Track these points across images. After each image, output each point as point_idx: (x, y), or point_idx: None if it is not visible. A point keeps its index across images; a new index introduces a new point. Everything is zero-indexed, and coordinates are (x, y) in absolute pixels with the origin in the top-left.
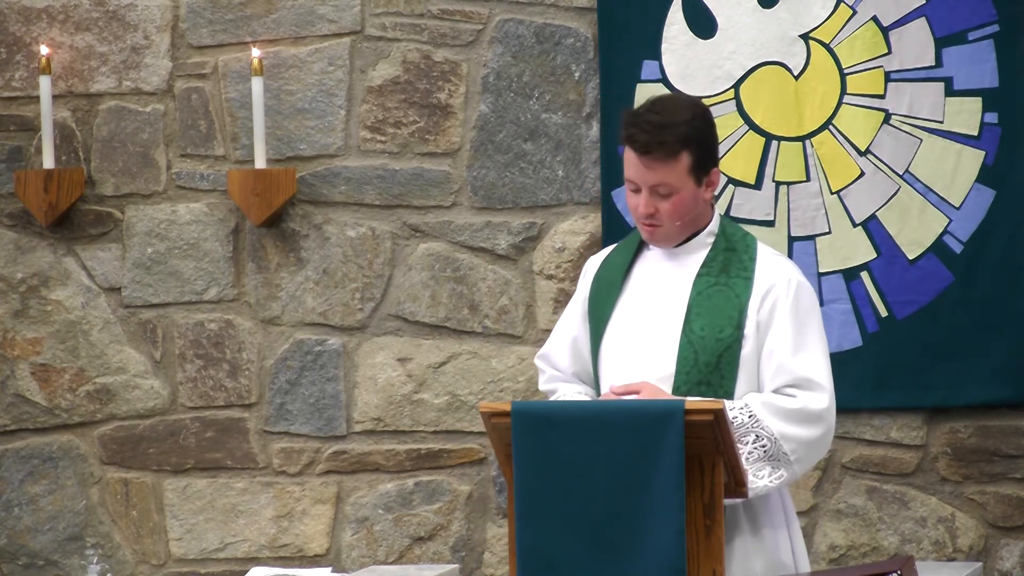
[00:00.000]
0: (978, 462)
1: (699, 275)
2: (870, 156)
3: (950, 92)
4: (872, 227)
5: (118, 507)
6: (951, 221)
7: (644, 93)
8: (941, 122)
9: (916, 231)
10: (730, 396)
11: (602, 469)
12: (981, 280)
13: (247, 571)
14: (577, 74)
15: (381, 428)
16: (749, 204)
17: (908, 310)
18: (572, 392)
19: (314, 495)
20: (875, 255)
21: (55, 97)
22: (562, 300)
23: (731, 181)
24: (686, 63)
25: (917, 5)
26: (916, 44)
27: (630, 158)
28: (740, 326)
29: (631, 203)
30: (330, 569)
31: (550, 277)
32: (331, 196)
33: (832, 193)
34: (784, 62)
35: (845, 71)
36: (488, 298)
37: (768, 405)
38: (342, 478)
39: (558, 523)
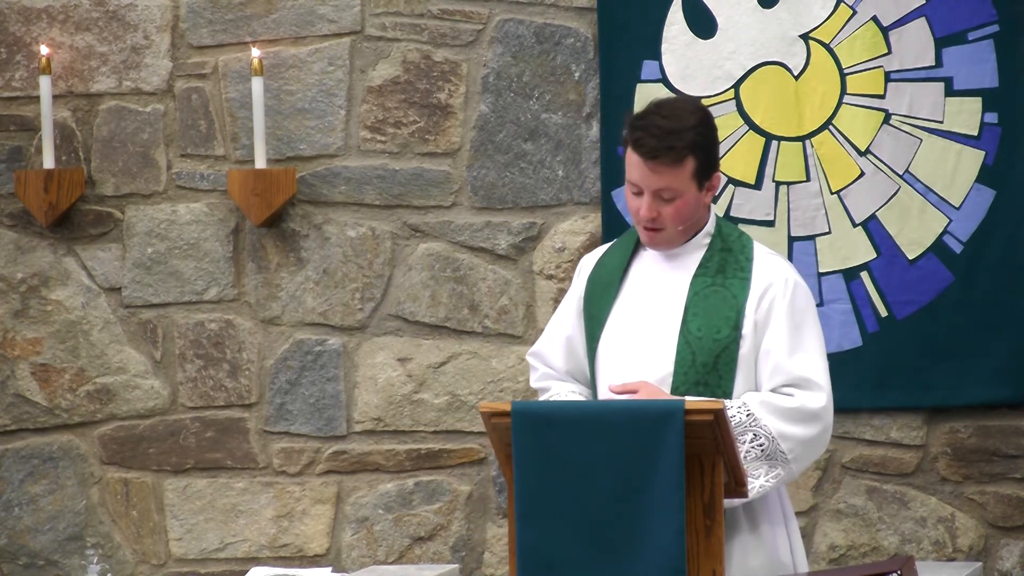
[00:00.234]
0: (978, 462)
1: (696, 276)
2: (870, 156)
3: (950, 92)
4: (872, 227)
5: (118, 507)
6: (951, 221)
7: (644, 93)
8: (941, 122)
9: (916, 231)
10: (728, 396)
11: (602, 469)
12: (981, 280)
13: (247, 571)
14: (577, 74)
15: (381, 428)
16: (749, 204)
17: (908, 310)
18: (566, 391)
19: (314, 495)
20: (875, 255)
21: (55, 97)
22: (562, 300)
23: (731, 181)
24: (686, 63)
25: (917, 5)
26: (916, 44)
27: (634, 161)
28: (737, 326)
29: (632, 205)
30: (330, 569)
31: (550, 277)
32: (331, 196)
33: (832, 193)
34: (784, 62)
35: (845, 71)
36: (488, 298)
37: (766, 404)
38: (342, 478)
39: (558, 523)
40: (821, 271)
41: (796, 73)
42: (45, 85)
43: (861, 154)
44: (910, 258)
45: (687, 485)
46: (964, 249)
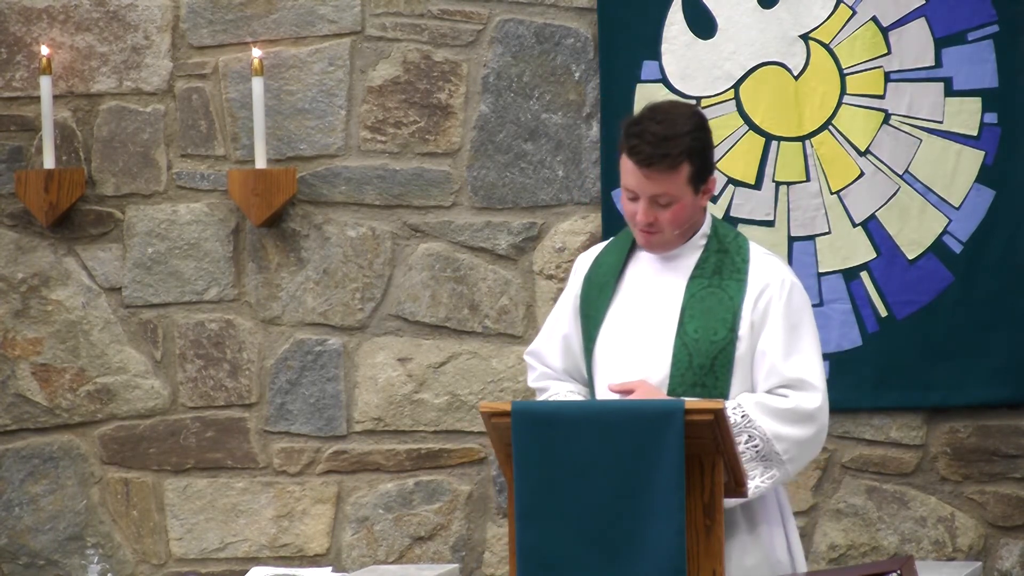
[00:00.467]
0: (978, 462)
1: (692, 277)
2: (870, 156)
3: (950, 92)
4: (872, 227)
5: (118, 507)
6: (951, 221)
7: (644, 93)
8: (941, 122)
9: (916, 231)
10: (725, 397)
11: (602, 469)
12: (981, 280)
13: (247, 571)
14: (577, 74)
15: (381, 428)
16: (749, 204)
17: (908, 310)
18: (564, 391)
19: (314, 495)
20: (875, 255)
21: (55, 97)
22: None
23: (731, 181)
24: (686, 63)
25: (917, 5)
26: (916, 44)
27: (629, 167)
28: (734, 328)
29: (628, 210)
30: (330, 569)
31: (550, 277)
32: (331, 196)
33: (832, 193)
34: (784, 62)
35: (845, 71)
36: (488, 298)
37: (761, 405)
38: (342, 478)
39: (558, 523)
40: (821, 271)
41: (796, 73)
42: (45, 85)
43: (861, 154)
44: (910, 258)
45: (687, 485)
46: (964, 249)
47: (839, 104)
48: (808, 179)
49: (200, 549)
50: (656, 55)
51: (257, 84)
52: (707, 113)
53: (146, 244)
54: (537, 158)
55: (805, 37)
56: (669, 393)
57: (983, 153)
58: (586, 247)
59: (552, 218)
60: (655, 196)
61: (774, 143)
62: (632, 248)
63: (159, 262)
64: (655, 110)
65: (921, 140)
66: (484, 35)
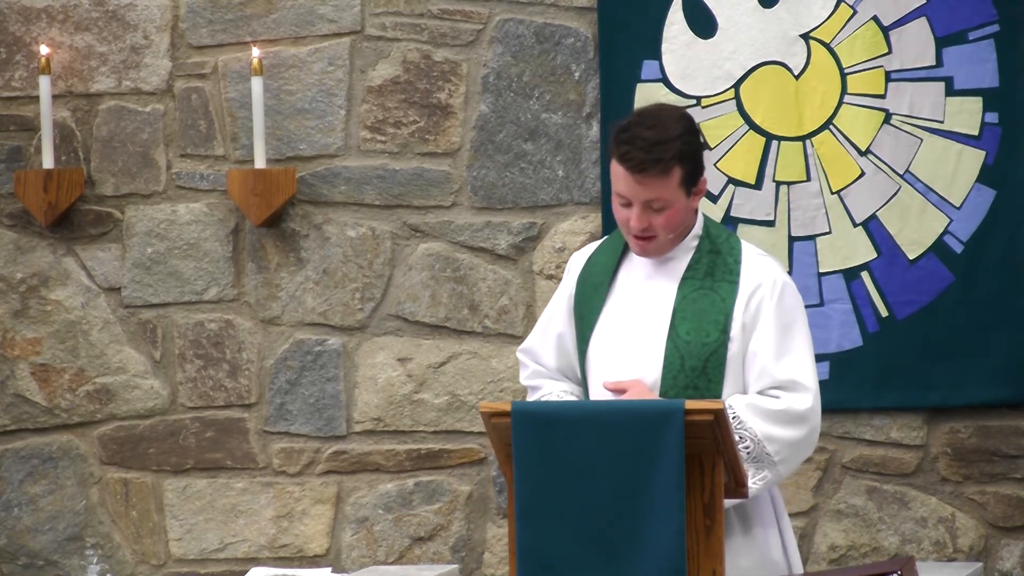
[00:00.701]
0: (978, 462)
1: (684, 279)
2: (870, 156)
3: (950, 92)
4: (872, 227)
5: (118, 507)
6: (951, 221)
7: (644, 93)
8: (941, 122)
9: (916, 231)
10: (718, 399)
11: (602, 469)
12: (981, 280)
13: (247, 571)
14: (577, 74)
15: (381, 428)
16: (749, 204)
17: (908, 310)
18: (558, 390)
19: (314, 495)
20: (875, 255)
21: (55, 97)
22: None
23: (731, 181)
24: (686, 63)
25: (917, 5)
26: (916, 44)
27: (620, 174)
28: (726, 330)
29: (620, 216)
30: (330, 569)
31: (550, 277)
32: (331, 196)
33: (832, 193)
34: (784, 62)
35: (845, 71)
36: (488, 298)
37: (752, 406)
38: (342, 478)
39: (558, 523)
40: (821, 271)
41: (796, 73)
42: (45, 85)
43: (861, 154)
44: (910, 258)
45: (687, 485)
46: (964, 249)
47: (840, 104)
48: (809, 179)
49: (200, 549)
50: (656, 55)
51: (257, 84)
52: (707, 113)
53: (145, 244)
54: (537, 158)
55: (806, 36)
56: (661, 395)
57: (984, 153)
58: None
59: (552, 218)
60: (648, 201)
61: (774, 143)
62: (625, 248)
63: (158, 262)
64: (644, 115)
65: (922, 140)
66: (484, 35)
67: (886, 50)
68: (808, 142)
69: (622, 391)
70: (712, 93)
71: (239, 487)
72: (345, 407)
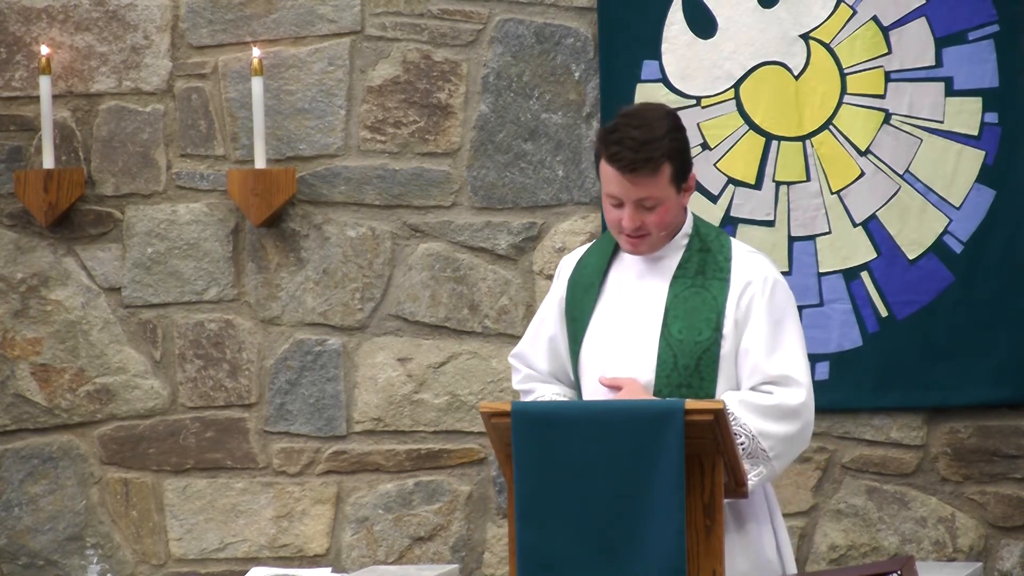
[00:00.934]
0: (978, 462)
1: (675, 277)
2: (870, 156)
3: (950, 92)
4: (872, 227)
5: (118, 507)
6: (951, 221)
7: (644, 93)
8: (941, 122)
9: (916, 231)
10: (711, 397)
11: (602, 469)
12: (981, 280)
13: (247, 571)
14: (577, 74)
15: (381, 428)
16: (749, 204)
17: (908, 310)
18: (550, 393)
19: (314, 495)
20: (875, 255)
21: (55, 97)
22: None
23: (731, 181)
24: (686, 63)
25: (917, 5)
26: (916, 44)
27: (611, 175)
28: (718, 327)
29: (612, 217)
30: (330, 569)
31: (550, 277)
32: (331, 196)
33: (832, 193)
34: (784, 62)
35: (845, 71)
36: (488, 298)
37: (745, 403)
38: (342, 478)
39: (558, 523)
40: (821, 271)
41: (796, 73)
42: (45, 85)
43: (861, 154)
44: (910, 258)
45: (687, 485)
46: (964, 249)
47: (839, 104)
48: (808, 179)
49: (200, 549)
50: (656, 55)
51: (257, 84)
52: (707, 113)
53: (146, 244)
54: (537, 158)
55: (805, 37)
56: (655, 394)
57: (983, 153)
58: None
59: (552, 218)
60: (640, 200)
61: (774, 143)
62: (615, 249)
63: (159, 262)
64: (630, 115)
65: (921, 140)
66: (484, 35)
67: (886, 50)
68: (808, 142)
69: (617, 388)
70: (712, 93)
71: (239, 487)
72: (345, 407)
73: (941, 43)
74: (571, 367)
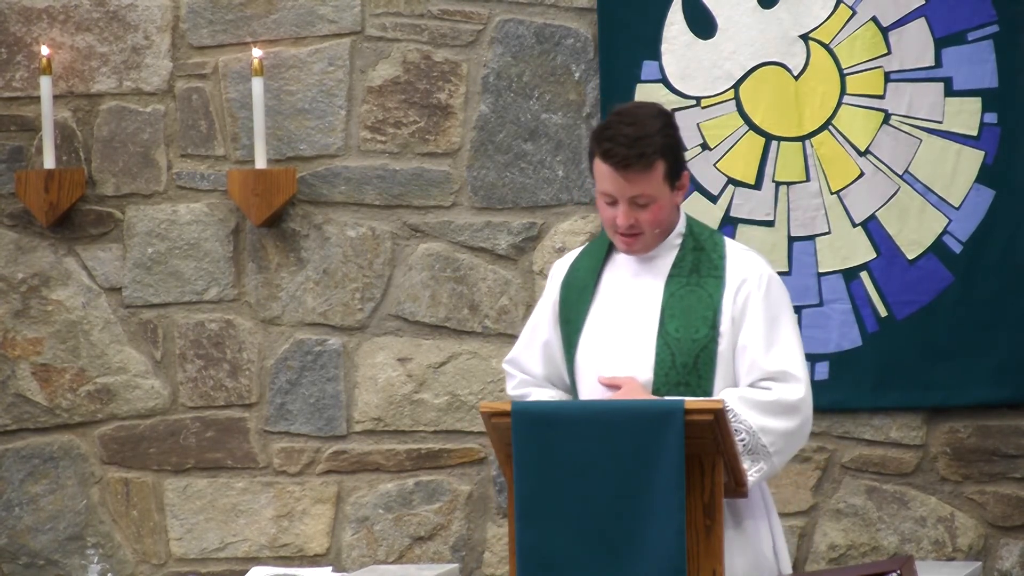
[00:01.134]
0: (978, 462)
1: (670, 276)
2: (870, 156)
3: (950, 92)
4: (872, 227)
5: (118, 507)
6: (951, 221)
7: (644, 93)
8: (941, 122)
9: (916, 231)
10: (709, 395)
11: (602, 469)
12: (981, 280)
13: (247, 571)
14: (577, 74)
15: (381, 428)
16: (749, 204)
17: (908, 310)
18: (545, 397)
19: (314, 495)
20: (875, 255)
21: (56, 97)
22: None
23: (731, 181)
24: (686, 63)
25: (917, 5)
26: (916, 44)
27: (605, 172)
28: (715, 325)
29: (606, 216)
30: (330, 569)
31: None
32: (331, 196)
33: (832, 193)
34: (784, 62)
35: (845, 71)
36: (488, 298)
37: (744, 399)
38: (342, 478)
39: (558, 523)
40: (821, 271)
41: (796, 73)
42: (45, 85)
43: (861, 154)
44: (910, 258)
45: (687, 485)
46: (964, 249)
47: (839, 104)
48: (808, 179)
49: (200, 549)
50: (656, 55)
51: (257, 84)
52: (707, 113)
53: (146, 244)
54: (537, 158)
55: (805, 37)
56: (653, 393)
57: (983, 153)
58: None
59: (552, 218)
60: (634, 197)
61: (774, 143)
62: (609, 251)
63: (159, 262)
64: (622, 113)
65: (921, 140)
66: (484, 35)
67: (885, 51)
68: (808, 142)
69: (616, 387)
70: (712, 93)
71: (239, 487)
72: (345, 407)
73: (940, 43)
74: (566, 371)
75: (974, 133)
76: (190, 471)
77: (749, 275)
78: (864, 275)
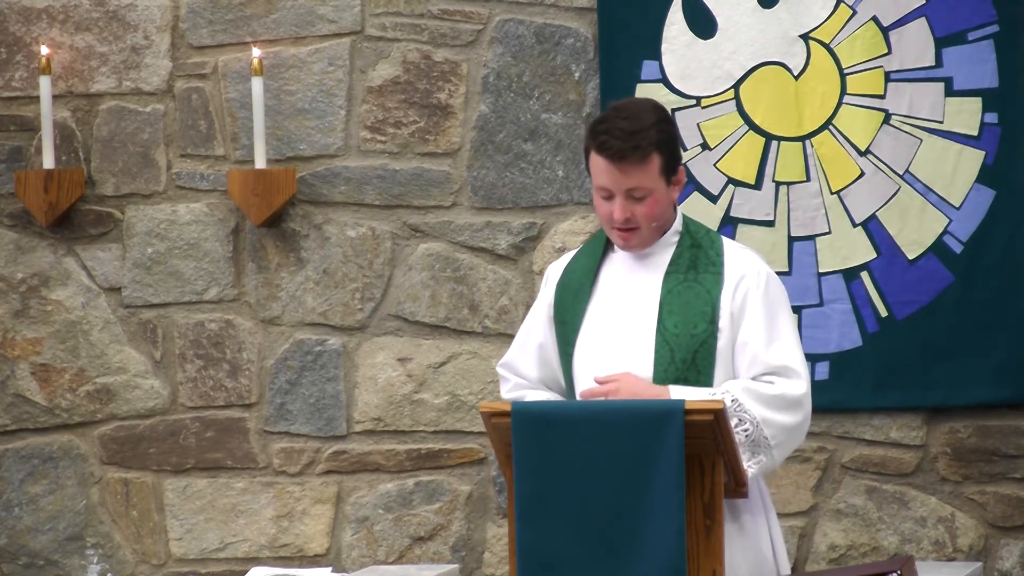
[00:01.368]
0: (978, 462)
1: (668, 273)
2: (870, 156)
3: (950, 92)
4: (872, 227)
5: (118, 507)
6: (951, 221)
7: (644, 93)
8: (941, 122)
9: (916, 231)
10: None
11: (602, 469)
12: (981, 280)
13: (247, 571)
14: (577, 74)
15: (381, 428)
16: (749, 204)
17: (908, 310)
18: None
19: (314, 495)
20: (875, 255)
21: (55, 97)
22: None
23: (731, 181)
24: (686, 63)
25: (917, 5)
26: (916, 44)
27: (601, 165)
28: (714, 320)
29: (603, 211)
30: (330, 569)
31: None
32: (331, 196)
33: (832, 193)
34: (784, 62)
35: (845, 71)
36: (488, 298)
37: (749, 391)
38: (342, 478)
39: (558, 523)
40: (821, 271)
41: (796, 73)
42: (45, 85)
43: (861, 154)
44: (910, 258)
45: (687, 485)
46: (964, 249)
47: (839, 104)
48: (808, 179)
49: (200, 549)
50: (656, 55)
51: (257, 84)
52: (707, 113)
53: (146, 244)
54: (537, 158)
55: (805, 37)
56: None
57: (983, 153)
58: None
59: (552, 218)
60: (630, 190)
61: (774, 143)
62: (605, 250)
63: (159, 262)
64: (618, 108)
65: (921, 140)
66: (484, 35)
67: (886, 50)
68: (808, 142)
69: (614, 382)
70: (712, 93)
71: (239, 487)
72: (345, 407)
73: (941, 43)
74: (562, 374)
75: (974, 133)
76: (190, 471)
77: (747, 272)
78: (864, 275)
